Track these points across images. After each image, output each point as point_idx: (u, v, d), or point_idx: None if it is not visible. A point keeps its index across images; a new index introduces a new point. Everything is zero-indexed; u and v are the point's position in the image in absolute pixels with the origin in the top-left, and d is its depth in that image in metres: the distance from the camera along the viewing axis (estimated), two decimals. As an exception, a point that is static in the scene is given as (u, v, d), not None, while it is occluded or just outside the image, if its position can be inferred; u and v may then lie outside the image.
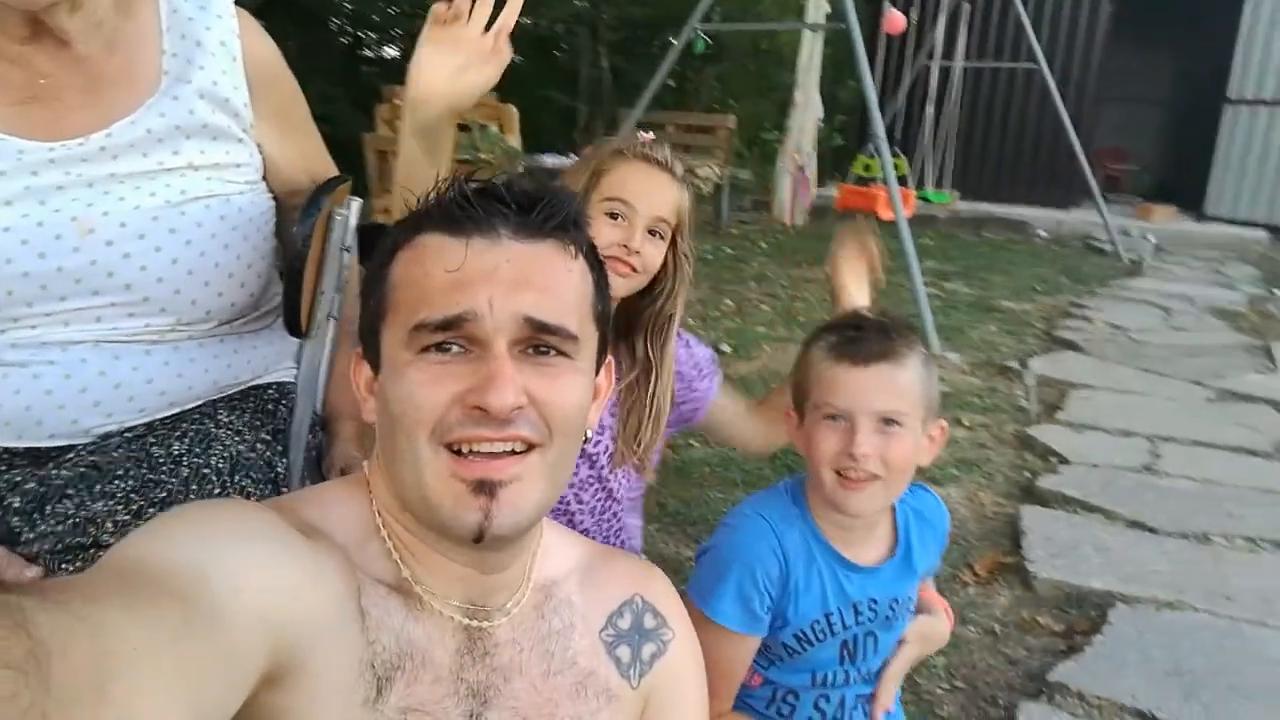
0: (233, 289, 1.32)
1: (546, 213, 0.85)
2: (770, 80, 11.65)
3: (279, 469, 1.33)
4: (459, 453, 0.80)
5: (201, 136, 1.29)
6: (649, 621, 0.99)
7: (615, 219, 1.44)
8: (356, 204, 1.42)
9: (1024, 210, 9.99)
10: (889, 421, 1.24)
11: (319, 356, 1.42)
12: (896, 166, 7.65)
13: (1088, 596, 2.58)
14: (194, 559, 0.68)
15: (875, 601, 1.32)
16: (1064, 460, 3.55)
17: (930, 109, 8.27)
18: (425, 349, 0.81)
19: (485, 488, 0.80)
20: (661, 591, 1.03)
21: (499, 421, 0.79)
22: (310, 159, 1.47)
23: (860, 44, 5.52)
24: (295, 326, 1.35)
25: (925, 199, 8.59)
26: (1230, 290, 7.21)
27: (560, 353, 0.83)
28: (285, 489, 1.33)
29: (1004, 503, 3.21)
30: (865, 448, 1.22)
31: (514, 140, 5.90)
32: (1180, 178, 10.95)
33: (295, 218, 1.39)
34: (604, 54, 11.65)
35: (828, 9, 6.03)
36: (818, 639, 1.31)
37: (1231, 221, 10.03)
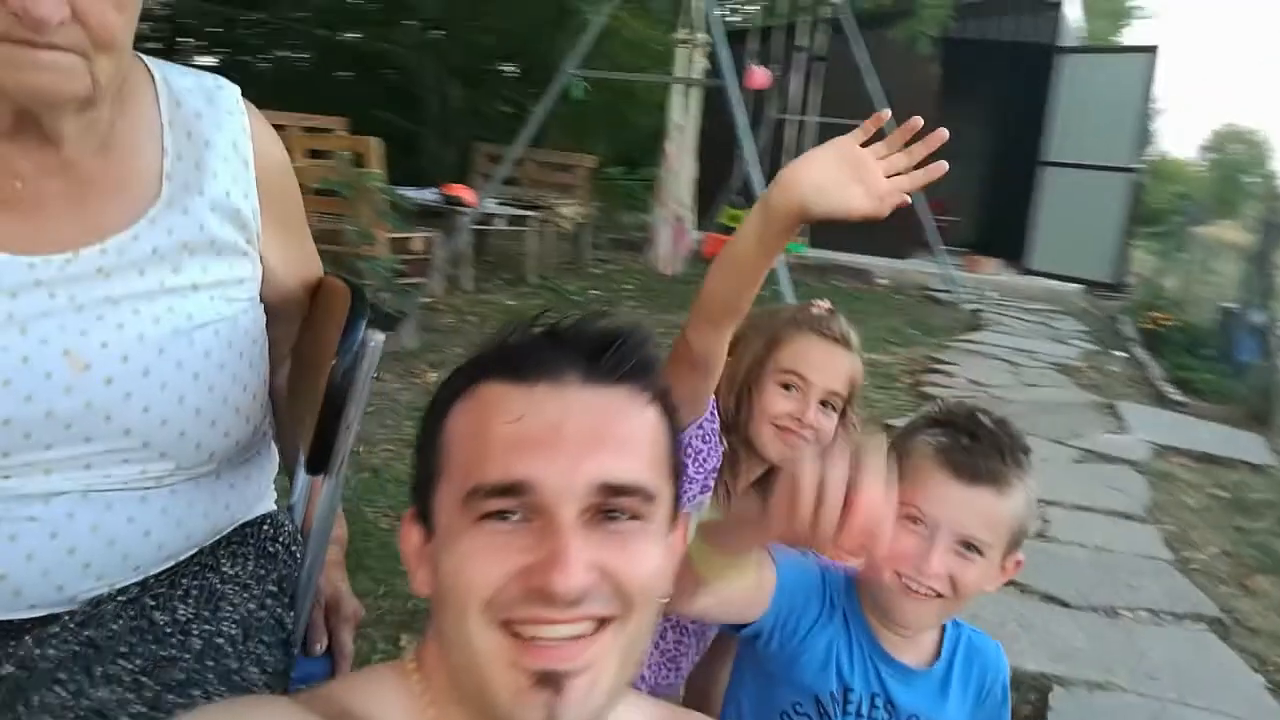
0: (238, 424, 1.15)
1: (620, 355, 0.76)
2: (628, 122, 11.74)
3: (287, 624, 1.19)
4: (515, 635, 0.70)
5: (207, 253, 1.11)
6: None
7: (789, 390, 1.45)
8: (381, 337, 1.30)
9: (866, 259, 10.44)
10: (970, 546, 1.16)
11: (336, 496, 1.28)
12: (739, 217, 7.84)
13: (1024, 679, 2.63)
14: None
15: (895, 705, 1.24)
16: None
17: (785, 161, 8.51)
18: (482, 513, 0.71)
19: (550, 680, 0.69)
20: None
21: (565, 603, 0.69)
22: (307, 263, 1.31)
23: (739, 99, 5.61)
24: (321, 464, 1.20)
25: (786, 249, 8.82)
26: (1065, 345, 7.75)
27: (635, 516, 0.74)
28: (294, 649, 1.19)
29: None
30: (937, 567, 1.15)
31: (377, 173, 5.62)
32: (1002, 232, 11.72)
33: (281, 334, 1.25)
34: (451, 82, 11.34)
35: (705, 64, 6.09)
36: (833, 709, 1.23)
37: (1050, 276, 10.83)
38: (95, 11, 0.94)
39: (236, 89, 1.19)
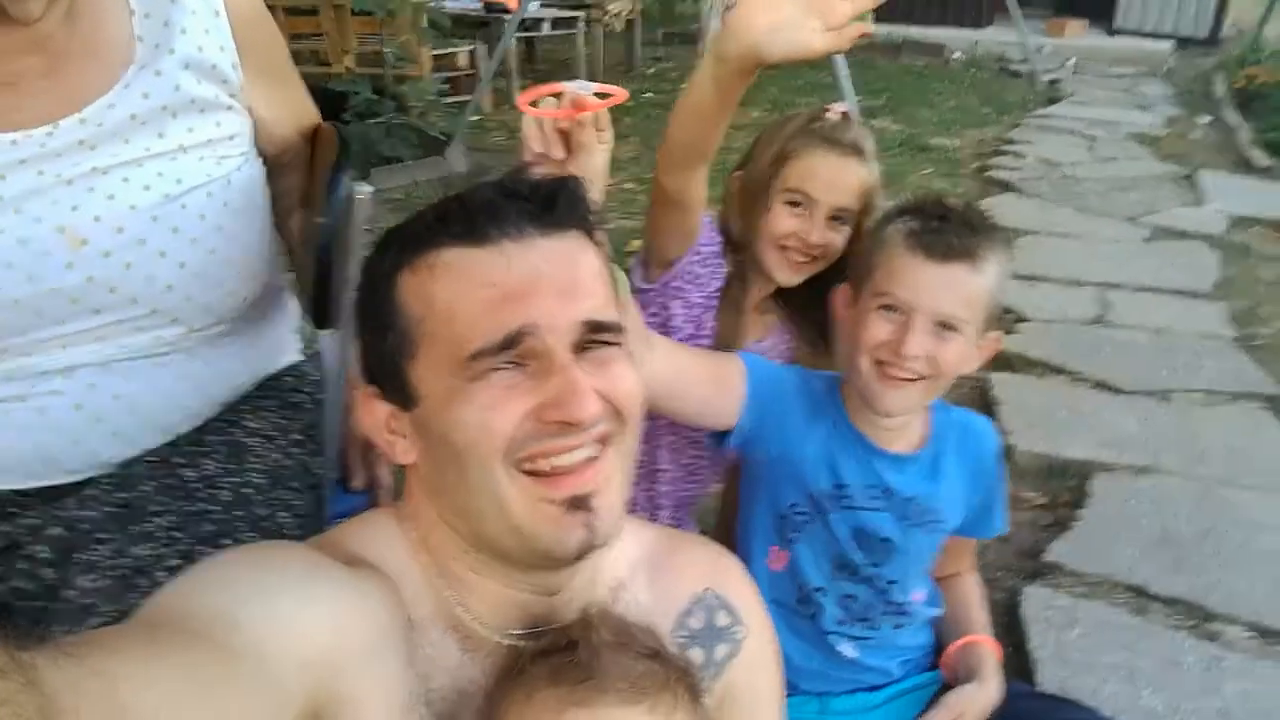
0: (244, 282, 1.16)
1: (569, 202, 0.81)
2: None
3: (314, 470, 1.24)
4: (534, 473, 0.76)
5: (189, 112, 1.10)
6: (721, 619, 0.95)
7: (795, 207, 1.40)
8: (369, 189, 1.28)
9: (939, 31, 9.82)
10: (946, 325, 1.18)
11: (345, 346, 1.30)
12: None
13: (1067, 466, 2.68)
14: (226, 606, 0.67)
15: (890, 490, 1.29)
16: (1021, 318, 3.60)
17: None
18: (485, 371, 0.75)
19: (580, 503, 0.77)
20: (735, 580, 0.97)
21: (585, 428, 0.76)
22: (298, 111, 1.29)
23: None
24: (323, 319, 1.23)
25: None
26: (1147, 112, 7.30)
27: (611, 345, 0.80)
28: (324, 491, 1.25)
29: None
30: (916, 348, 1.17)
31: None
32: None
33: (290, 185, 1.26)
34: None
35: None
36: (829, 508, 1.29)
37: (1139, 34, 10.05)
38: None
39: None
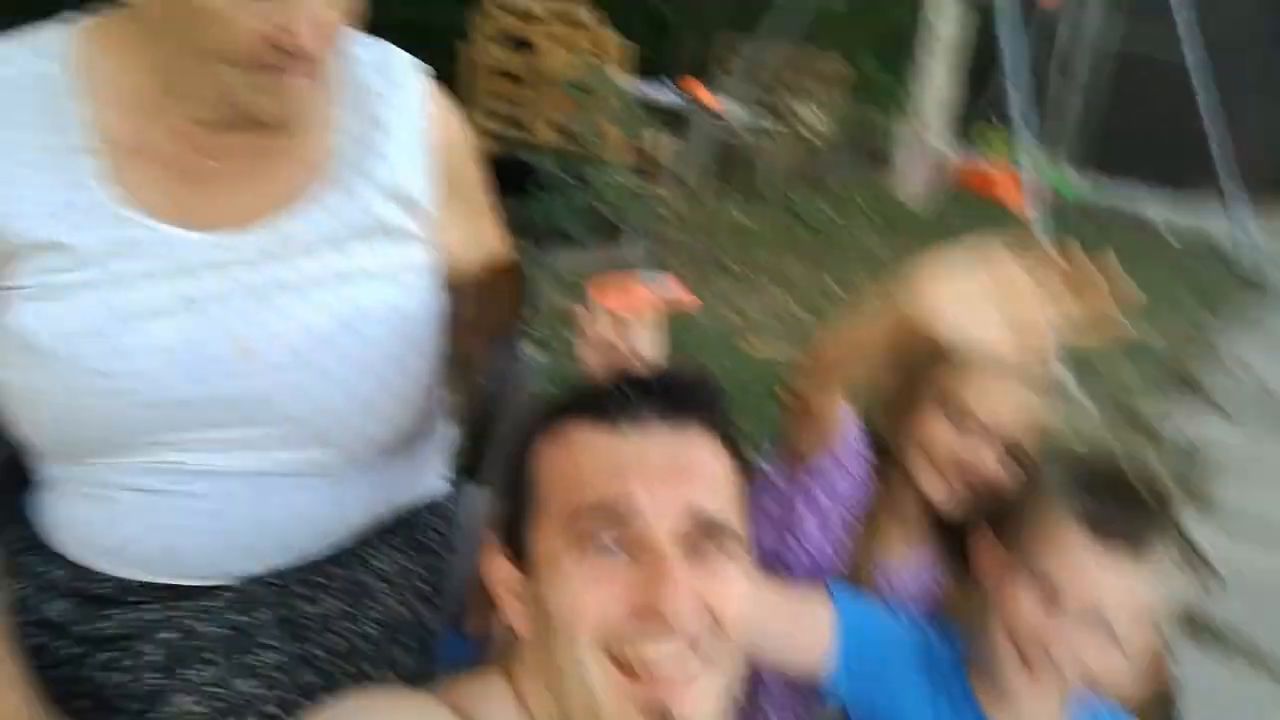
0: (403, 413, 1.15)
1: (694, 397, 0.86)
2: (891, 22, 10.89)
3: (430, 625, 1.20)
4: (622, 665, 0.77)
5: (377, 236, 1.09)
6: None
7: (956, 424, 1.24)
8: (537, 353, 1.23)
9: (1149, 199, 9.30)
10: (1101, 621, 1.04)
11: (487, 500, 1.32)
12: (999, 139, 6.95)
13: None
14: None
15: None
16: (1215, 574, 3.09)
17: (1059, 80, 7.59)
18: (585, 544, 0.78)
19: (661, 710, 0.77)
20: None
21: (674, 625, 0.76)
22: (486, 243, 1.28)
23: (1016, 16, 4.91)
24: (474, 471, 1.25)
25: (1057, 192, 7.92)
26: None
27: (722, 550, 0.81)
28: (435, 654, 1.21)
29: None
30: (1065, 643, 1.04)
31: (615, 73, 5.46)
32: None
33: (466, 312, 1.24)
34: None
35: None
36: None
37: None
38: (330, 23, 0.95)
39: (415, 62, 1.15)
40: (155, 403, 1.00)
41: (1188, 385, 4.88)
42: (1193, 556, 1.10)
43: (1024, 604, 1.07)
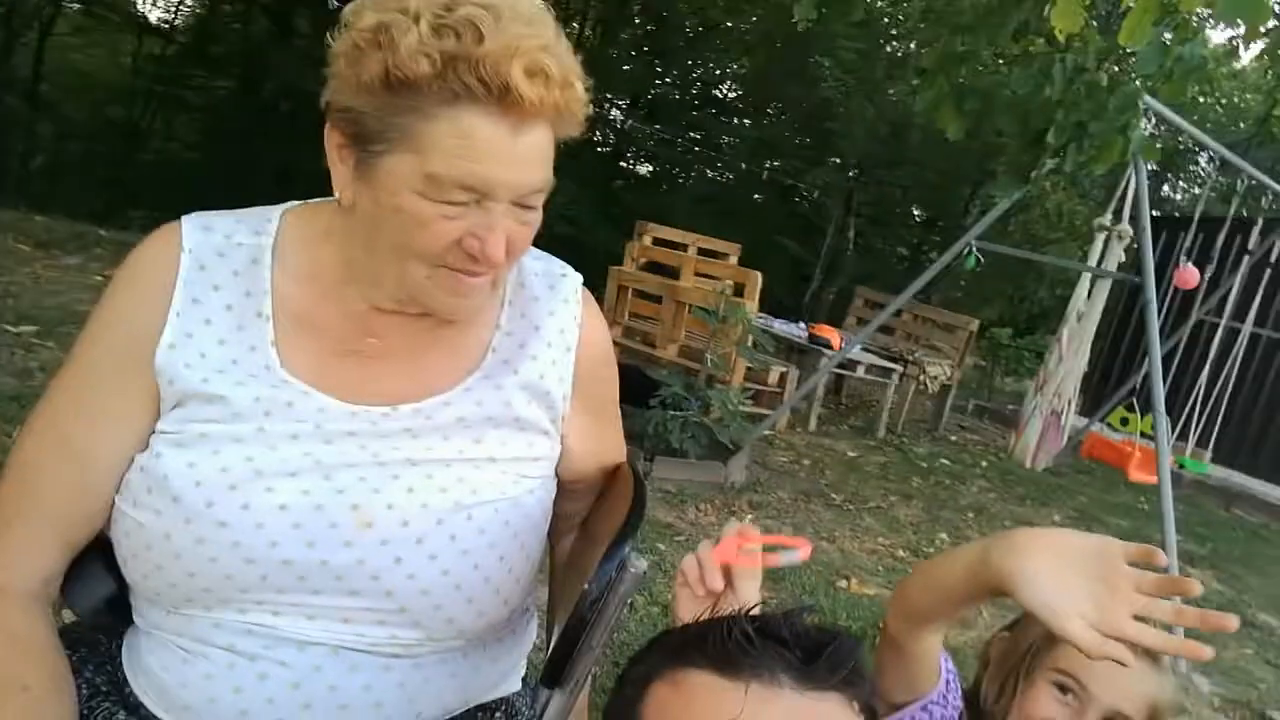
0: (495, 604, 1.12)
1: (833, 661, 0.77)
2: (1027, 292, 11.13)
3: None
4: None
5: (509, 427, 1.12)
6: None
7: (1064, 694, 1.23)
8: (644, 562, 1.24)
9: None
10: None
11: (566, 713, 1.20)
12: (1132, 422, 6.83)
13: None
14: None
15: None
16: None
17: (1205, 370, 7.52)
18: None
19: None
20: None
21: None
22: (608, 448, 1.30)
23: (1153, 299, 5.00)
24: (556, 678, 1.15)
25: (1181, 465, 7.74)
26: None
27: None
28: None
29: None
30: None
31: (752, 306, 5.72)
32: None
33: (575, 510, 1.27)
34: (852, 224, 11.50)
35: (1121, 257, 5.56)
36: None
37: None
38: (521, 241, 1.02)
39: (579, 278, 1.23)
40: (265, 560, 1.00)
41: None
42: None
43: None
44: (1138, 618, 0.89)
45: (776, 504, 5.11)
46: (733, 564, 1.01)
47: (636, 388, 4.75)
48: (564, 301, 1.19)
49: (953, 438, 8.34)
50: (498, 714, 1.23)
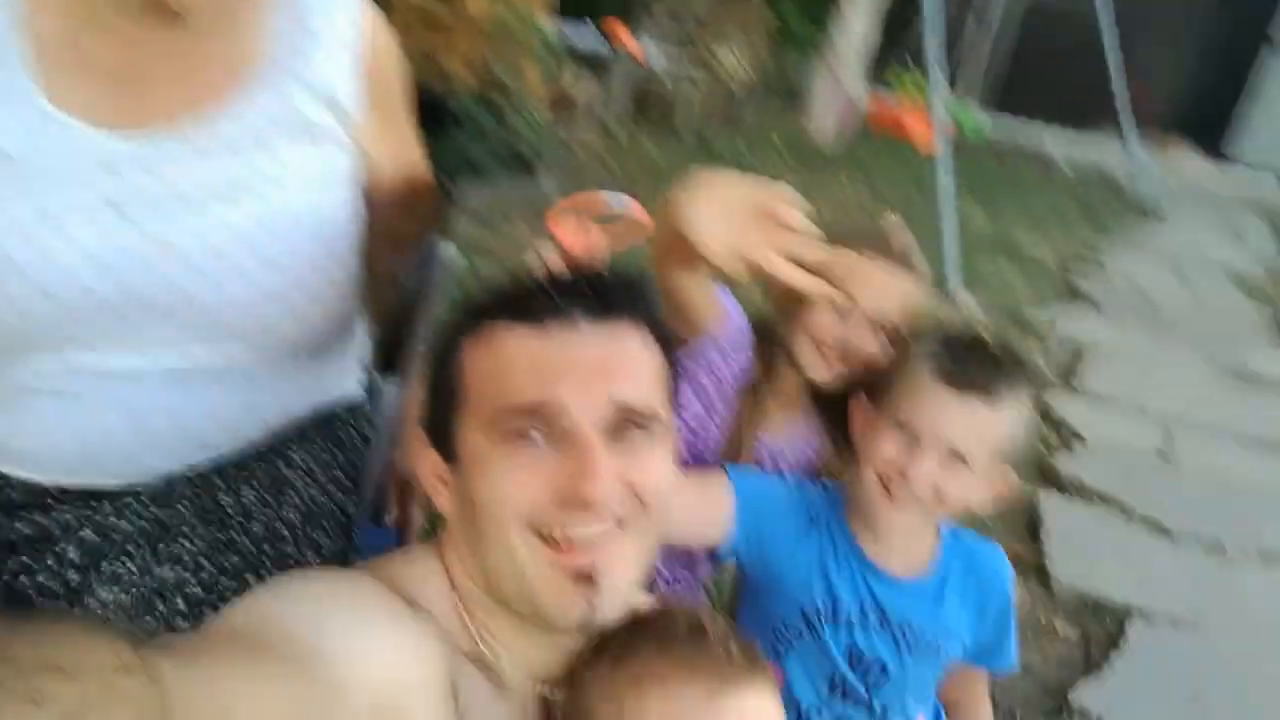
0: (317, 313, 1.15)
1: (621, 294, 0.86)
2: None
3: (349, 511, 1.23)
4: (548, 539, 0.80)
5: (301, 139, 1.11)
6: None
7: (837, 309, 1.33)
8: (455, 251, 1.29)
9: (1048, 139, 9.68)
10: (957, 457, 1.18)
11: (404, 396, 1.32)
12: (912, 82, 7.03)
13: (1106, 606, 2.60)
14: (309, 629, 0.71)
15: (886, 613, 1.25)
16: (1080, 439, 3.51)
17: (974, 28, 7.77)
18: (511, 440, 0.80)
19: (587, 577, 0.80)
20: None
21: (597, 509, 0.79)
22: (408, 158, 1.29)
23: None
24: (390, 366, 1.25)
25: (961, 129, 8.13)
26: (1246, 250, 7.08)
27: (645, 432, 0.83)
28: (354, 533, 1.25)
29: (1020, 482, 3.20)
30: (922, 474, 1.18)
31: (536, 13, 5.50)
32: (1205, 114, 10.61)
33: (383, 222, 1.26)
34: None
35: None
36: (821, 622, 1.26)
37: (1249, 165, 9.83)
38: None
39: None
40: (75, 303, 0.99)
41: (1072, 292, 5.34)
42: (1048, 410, 1.27)
43: (887, 446, 1.20)
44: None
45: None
46: (580, 250, 1.07)
47: (427, 114, 4.54)
48: (339, 5, 1.14)
49: (754, 128, 8.51)
50: (341, 413, 1.29)
